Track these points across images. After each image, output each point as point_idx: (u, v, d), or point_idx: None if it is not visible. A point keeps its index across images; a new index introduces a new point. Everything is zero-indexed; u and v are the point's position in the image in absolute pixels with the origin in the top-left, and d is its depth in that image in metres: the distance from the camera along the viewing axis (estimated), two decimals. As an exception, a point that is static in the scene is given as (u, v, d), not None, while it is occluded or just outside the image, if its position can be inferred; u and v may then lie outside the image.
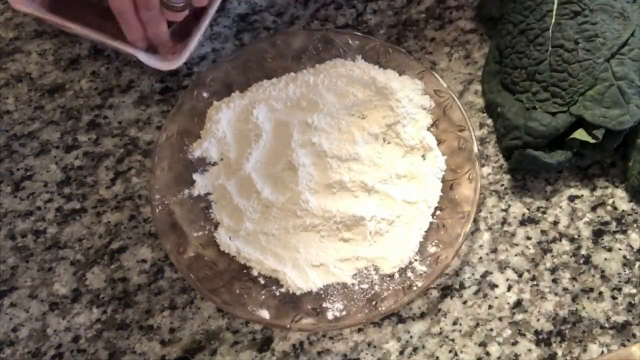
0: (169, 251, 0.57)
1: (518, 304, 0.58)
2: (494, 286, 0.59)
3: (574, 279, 0.59)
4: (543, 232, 0.61)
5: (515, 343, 0.57)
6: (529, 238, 0.61)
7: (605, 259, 0.60)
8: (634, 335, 0.57)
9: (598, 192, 0.63)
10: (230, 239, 0.59)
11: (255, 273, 0.58)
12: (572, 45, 0.62)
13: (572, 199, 0.62)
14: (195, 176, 0.62)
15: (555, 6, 0.63)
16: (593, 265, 0.60)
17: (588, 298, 0.58)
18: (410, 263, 0.57)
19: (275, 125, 0.64)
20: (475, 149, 0.60)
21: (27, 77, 0.71)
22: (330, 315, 0.56)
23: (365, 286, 0.57)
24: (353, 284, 0.57)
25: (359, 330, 0.58)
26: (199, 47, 0.71)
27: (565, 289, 0.59)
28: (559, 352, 0.56)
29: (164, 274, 0.61)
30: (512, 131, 0.62)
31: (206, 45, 0.71)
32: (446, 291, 0.59)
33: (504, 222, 0.62)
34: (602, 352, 0.56)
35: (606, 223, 0.61)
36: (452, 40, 0.71)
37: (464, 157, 0.60)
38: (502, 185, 0.63)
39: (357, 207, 0.59)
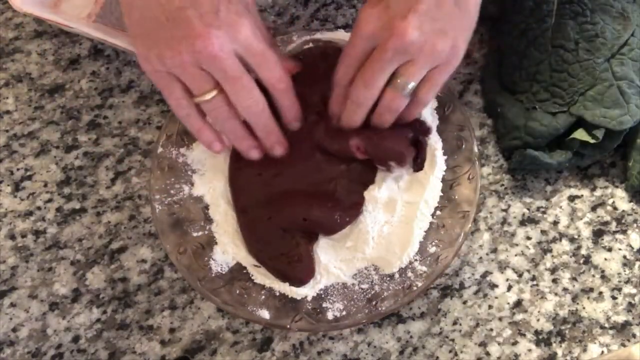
0: (169, 251, 0.57)
1: (518, 304, 0.58)
2: (494, 286, 0.59)
3: (574, 279, 0.59)
4: (543, 232, 0.61)
5: (515, 343, 0.57)
6: (529, 238, 0.61)
7: (605, 259, 0.60)
8: (634, 335, 0.57)
9: (598, 192, 0.63)
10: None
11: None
12: (572, 45, 0.62)
13: (572, 199, 0.62)
14: (195, 177, 0.62)
15: (555, 6, 0.63)
16: (593, 265, 0.60)
17: (588, 298, 0.58)
18: (410, 263, 0.57)
19: (275, 125, 0.63)
20: (475, 149, 0.60)
21: (27, 77, 0.71)
22: (330, 315, 0.56)
23: (365, 286, 0.57)
24: (353, 284, 0.57)
25: (359, 330, 0.58)
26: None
27: (565, 289, 0.59)
28: (559, 352, 0.56)
29: (164, 274, 0.61)
30: (512, 131, 0.62)
31: (206, 45, 0.71)
32: (446, 291, 0.59)
33: (504, 222, 0.62)
34: (602, 352, 0.56)
35: (606, 223, 0.61)
36: (452, 40, 0.70)
37: (464, 157, 0.60)
38: (502, 185, 0.63)
39: (357, 207, 0.59)
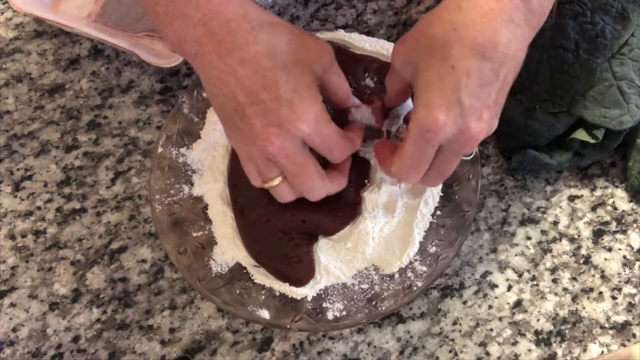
0: (169, 251, 0.57)
1: (518, 304, 0.58)
2: (494, 286, 0.59)
3: (574, 279, 0.59)
4: (543, 232, 0.61)
5: (515, 343, 0.57)
6: (529, 238, 0.61)
7: (605, 259, 0.60)
8: (634, 335, 0.57)
9: (598, 192, 0.63)
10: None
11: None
12: (572, 46, 0.62)
13: (572, 199, 0.62)
14: (195, 177, 0.62)
15: (555, 6, 0.63)
16: (593, 265, 0.60)
17: (588, 298, 0.58)
18: (410, 263, 0.57)
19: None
20: (476, 149, 0.60)
21: (27, 77, 0.71)
22: (330, 315, 0.56)
23: (365, 286, 0.57)
24: (353, 284, 0.57)
25: (359, 330, 0.58)
26: (199, 47, 0.71)
27: (565, 289, 0.59)
28: (559, 352, 0.56)
29: (164, 274, 0.61)
30: (512, 131, 0.62)
31: (206, 45, 0.71)
32: (446, 291, 0.59)
33: (504, 222, 0.62)
34: (602, 352, 0.56)
35: (606, 223, 0.61)
36: (452, 40, 0.70)
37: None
38: (502, 185, 0.63)
39: (357, 207, 0.59)
